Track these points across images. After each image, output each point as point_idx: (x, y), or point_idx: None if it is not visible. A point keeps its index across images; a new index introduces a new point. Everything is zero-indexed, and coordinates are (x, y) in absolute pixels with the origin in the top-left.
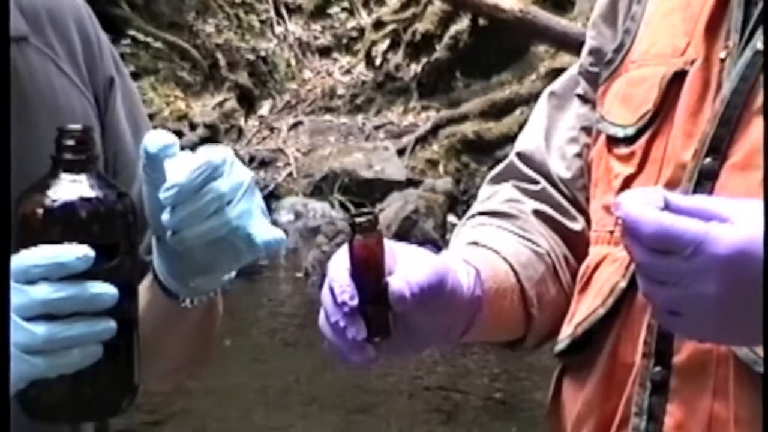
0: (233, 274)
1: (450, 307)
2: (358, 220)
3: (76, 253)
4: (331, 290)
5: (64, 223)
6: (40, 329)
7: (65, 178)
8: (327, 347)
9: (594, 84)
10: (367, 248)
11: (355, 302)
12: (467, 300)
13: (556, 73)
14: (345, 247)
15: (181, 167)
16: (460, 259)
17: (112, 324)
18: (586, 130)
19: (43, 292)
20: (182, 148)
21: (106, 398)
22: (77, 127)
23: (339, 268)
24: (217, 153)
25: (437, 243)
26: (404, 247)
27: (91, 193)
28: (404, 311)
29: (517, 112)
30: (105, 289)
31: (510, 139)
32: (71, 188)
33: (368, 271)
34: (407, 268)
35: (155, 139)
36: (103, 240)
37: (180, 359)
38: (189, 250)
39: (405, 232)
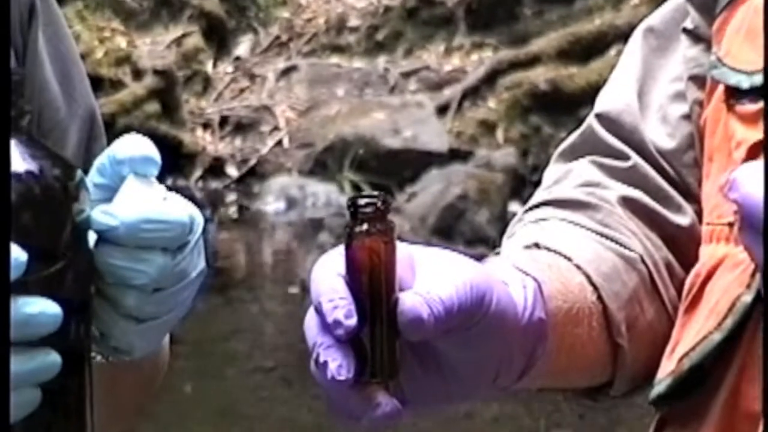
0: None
1: (498, 337)
2: (360, 202)
3: None
4: (318, 308)
5: None
6: None
7: None
8: (326, 400)
9: (709, 14)
10: (372, 247)
11: (353, 322)
12: (524, 326)
13: None
14: (338, 248)
15: (141, 201)
16: (513, 268)
17: (53, 357)
18: (698, 80)
19: None
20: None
21: None
22: None
23: (329, 274)
24: (191, 215)
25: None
26: (427, 251)
27: (21, 166)
28: (427, 341)
29: (612, 51)
30: (43, 307)
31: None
32: None
33: (372, 281)
34: (429, 280)
35: (130, 145)
36: (40, 236)
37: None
38: None
39: (447, 228)
